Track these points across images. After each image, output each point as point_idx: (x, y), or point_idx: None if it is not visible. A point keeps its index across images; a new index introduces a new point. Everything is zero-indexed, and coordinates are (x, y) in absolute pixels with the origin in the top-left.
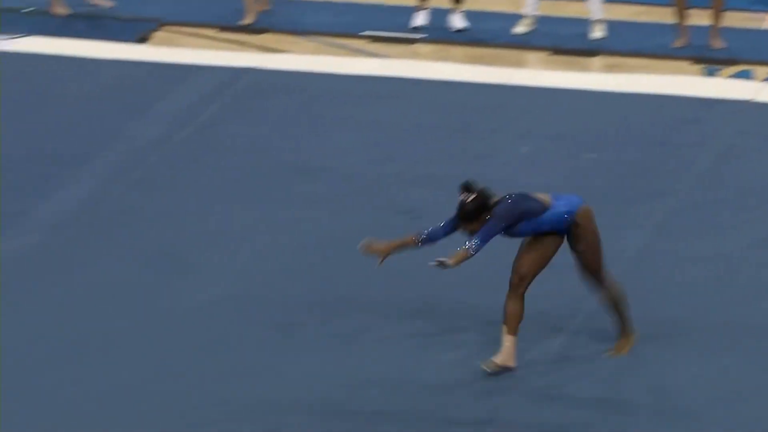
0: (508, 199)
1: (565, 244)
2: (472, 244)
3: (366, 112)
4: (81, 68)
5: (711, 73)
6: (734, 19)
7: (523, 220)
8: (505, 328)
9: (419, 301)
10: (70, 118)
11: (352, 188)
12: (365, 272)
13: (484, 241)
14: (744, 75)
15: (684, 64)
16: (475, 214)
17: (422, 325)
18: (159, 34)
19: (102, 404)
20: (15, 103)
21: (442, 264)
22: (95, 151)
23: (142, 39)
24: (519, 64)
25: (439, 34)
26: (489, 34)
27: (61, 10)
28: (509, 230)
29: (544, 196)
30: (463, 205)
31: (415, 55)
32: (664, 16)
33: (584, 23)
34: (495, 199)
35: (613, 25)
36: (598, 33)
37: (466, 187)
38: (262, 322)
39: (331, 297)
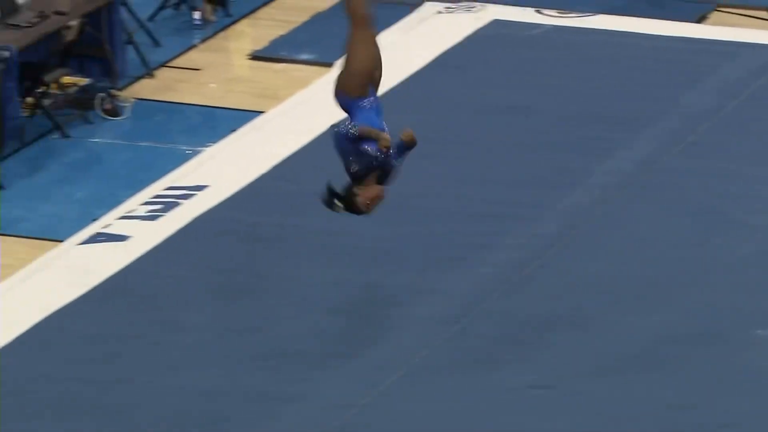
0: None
1: None
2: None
3: None
4: (643, 43)
5: None
6: None
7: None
8: None
9: None
10: (631, 87)
11: None
12: None
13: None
14: None
15: None
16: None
17: None
18: (716, 15)
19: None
20: (584, 72)
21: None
22: (651, 117)
23: (701, 19)
24: None
25: None
26: None
27: None
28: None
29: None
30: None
31: None
32: None
33: None
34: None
35: None
36: None
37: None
38: None
39: None
